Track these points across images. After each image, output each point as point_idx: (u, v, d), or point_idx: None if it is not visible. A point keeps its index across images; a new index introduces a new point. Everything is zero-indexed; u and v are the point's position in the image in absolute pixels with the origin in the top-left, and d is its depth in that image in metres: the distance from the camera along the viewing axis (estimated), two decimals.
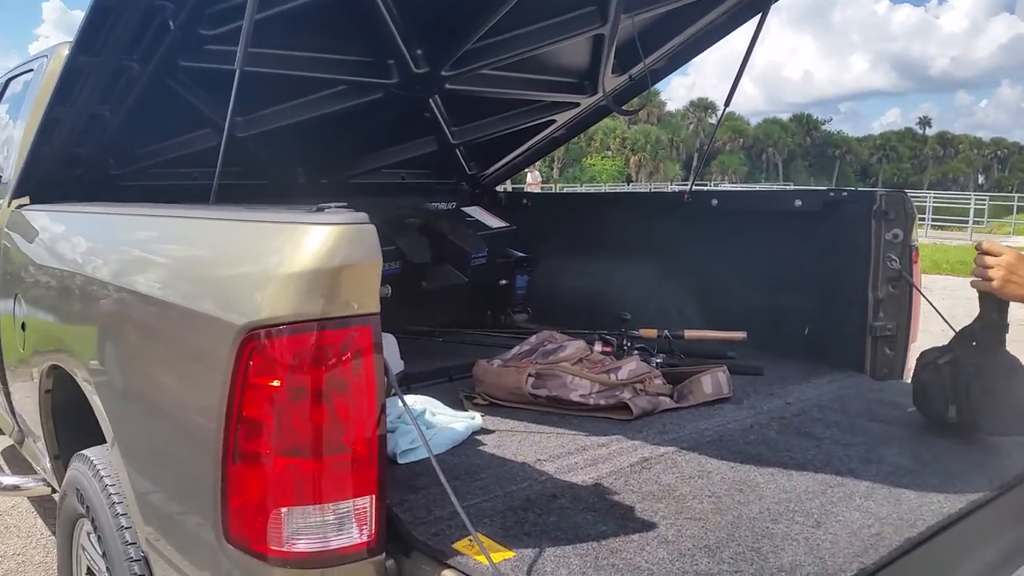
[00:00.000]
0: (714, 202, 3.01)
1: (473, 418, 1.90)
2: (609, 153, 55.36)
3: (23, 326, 2.34)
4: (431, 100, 3.03)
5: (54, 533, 3.23)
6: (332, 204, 1.31)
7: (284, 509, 1.24)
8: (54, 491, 2.85)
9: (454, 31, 2.59)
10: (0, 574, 2.93)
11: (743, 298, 2.74)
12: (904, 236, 2.37)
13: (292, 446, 1.25)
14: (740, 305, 2.73)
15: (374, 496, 1.26)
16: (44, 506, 3.48)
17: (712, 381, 2.15)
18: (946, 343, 1.95)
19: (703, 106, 67.26)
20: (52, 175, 2.54)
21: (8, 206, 2.70)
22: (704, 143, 52.74)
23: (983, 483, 1.59)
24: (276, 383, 1.24)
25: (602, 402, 2.01)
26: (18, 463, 3.06)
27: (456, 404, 2.08)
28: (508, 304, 3.27)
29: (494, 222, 3.34)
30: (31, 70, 3.22)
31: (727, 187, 41.15)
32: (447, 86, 2.87)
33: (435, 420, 1.83)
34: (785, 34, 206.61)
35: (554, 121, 3.48)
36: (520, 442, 1.81)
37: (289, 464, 1.25)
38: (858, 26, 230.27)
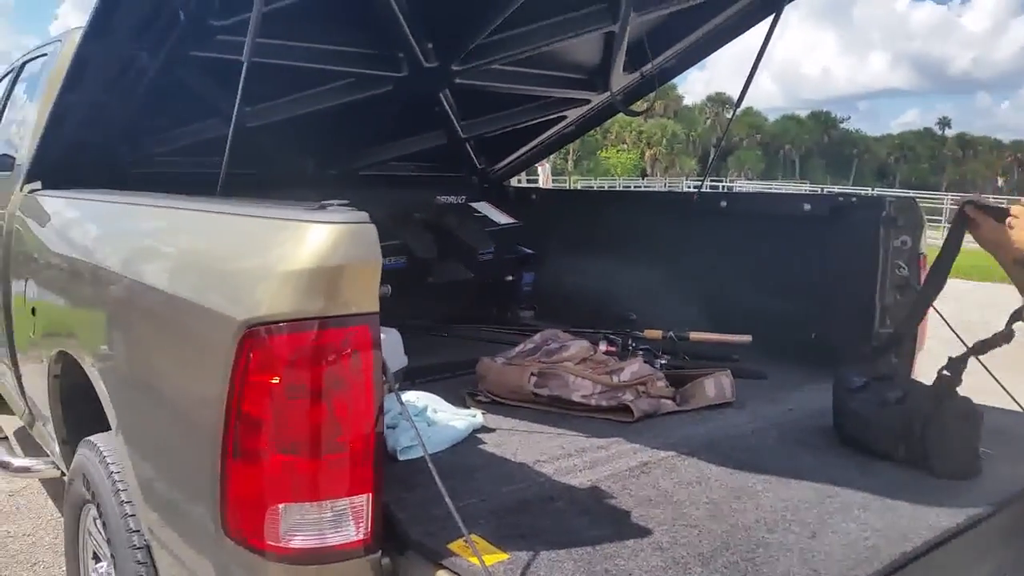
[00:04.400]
0: (723, 203, 2.99)
1: (474, 416, 1.90)
2: (625, 146, 55.16)
3: (33, 311, 2.36)
4: (441, 94, 3.03)
5: (63, 515, 3.28)
6: (335, 202, 1.31)
7: (282, 505, 1.25)
8: (63, 474, 2.89)
9: (465, 26, 2.59)
10: (12, 553, 2.97)
11: (750, 301, 2.72)
12: (912, 243, 2.36)
13: (290, 443, 1.26)
14: (746, 308, 2.72)
15: (371, 494, 1.27)
16: (54, 488, 3.52)
17: (715, 385, 2.14)
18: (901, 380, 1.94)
19: (720, 101, 66.82)
20: (64, 160, 2.55)
21: (21, 190, 2.72)
22: (720, 139, 52.38)
23: (980, 499, 1.58)
24: (275, 380, 1.25)
25: (604, 403, 2.02)
26: (29, 445, 3.10)
27: (458, 401, 2.09)
28: (514, 301, 3.27)
29: (502, 218, 3.34)
30: (45, 54, 3.24)
31: (743, 184, 40.93)
32: (457, 80, 2.87)
33: (436, 417, 1.84)
34: (804, 30, 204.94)
35: (565, 117, 3.47)
36: (520, 442, 1.82)
37: (287, 461, 1.26)
38: (878, 24, 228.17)
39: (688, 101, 72.96)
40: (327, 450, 1.26)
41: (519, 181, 5.84)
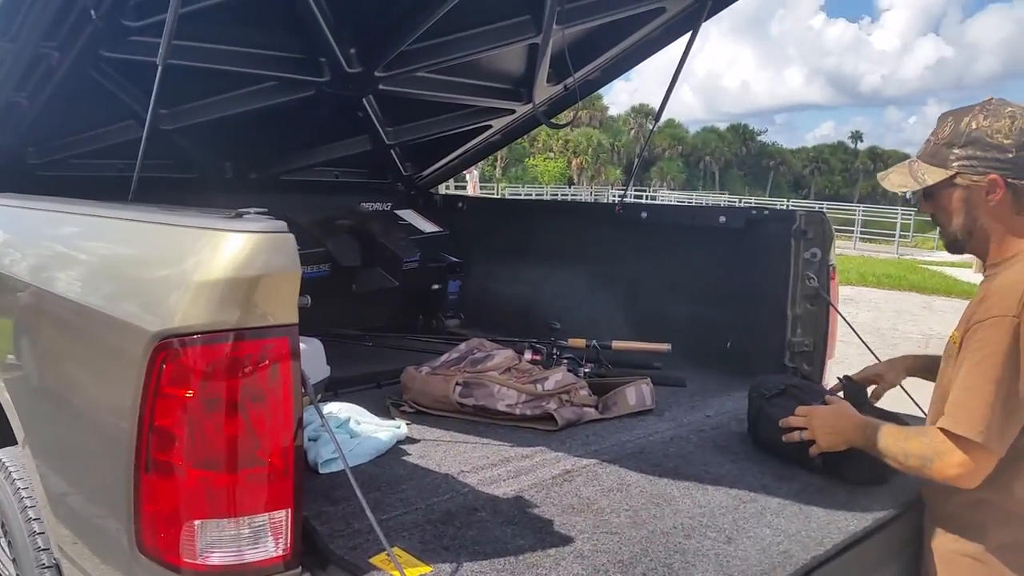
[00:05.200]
0: (644, 215, 3.06)
1: (399, 427, 1.89)
2: (552, 155, 55.69)
3: None
4: (365, 100, 3.00)
5: None
6: (252, 209, 1.28)
7: (198, 521, 1.21)
8: None
9: (388, 32, 2.57)
10: None
11: (670, 310, 2.79)
12: (822, 255, 2.45)
13: (205, 458, 1.22)
14: (667, 317, 2.78)
15: (290, 509, 1.25)
16: None
17: (636, 393, 2.19)
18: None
19: (644, 112, 68.18)
20: None
21: None
22: (643, 149, 53.47)
23: (888, 502, 1.65)
24: (189, 393, 1.21)
25: (528, 412, 2.03)
26: None
27: (383, 411, 2.07)
28: (440, 309, 3.26)
29: (427, 226, 3.33)
30: None
31: (665, 194, 41.85)
32: (381, 87, 2.85)
33: (360, 429, 1.82)
34: (724, 44, 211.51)
35: (490, 127, 3.49)
36: (445, 452, 1.81)
37: (202, 476, 1.23)
38: (794, 39, 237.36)
39: (613, 112, 74.18)
40: (244, 464, 1.23)
41: (447, 187, 5.82)
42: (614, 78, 3.24)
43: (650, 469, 1.78)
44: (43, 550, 1.68)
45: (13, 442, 1.92)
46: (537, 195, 37.15)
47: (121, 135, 2.67)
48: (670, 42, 3.03)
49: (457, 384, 2.07)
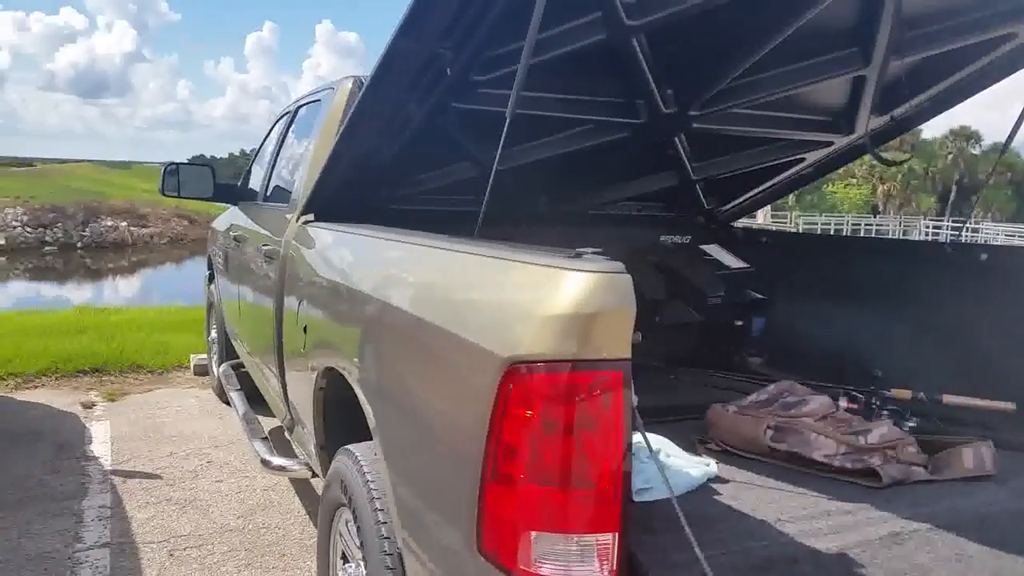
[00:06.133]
0: (983, 256, 2.74)
1: (708, 464, 1.89)
2: (854, 181, 51.59)
3: (305, 328, 2.66)
4: (676, 138, 3.05)
5: (309, 512, 3.63)
6: (589, 250, 1.38)
7: (534, 532, 1.32)
8: (314, 475, 3.20)
9: (707, 72, 2.61)
10: (266, 543, 3.34)
11: (1013, 364, 2.47)
12: None
13: (543, 475, 1.33)
14: (1008, 371, 2.46)
15: (616, 533, 1.31)
16: (300, 487, 3.91)
17: (974, 455, 1.97)
18: None
19: (965, 135, 60.78)
20: (334, 197, 2.87)
21: (296, 221, 3.09)
22: (963, 176, 47.53)
23: None
24: (532, 414, 1.33)
25: (848, 465, 1.92)
26: (279, 445, 3.48)
27: (688, 446, 2.08)
28: (742, 347, 3.19)
29: (733, 262, 3.29)
30: (319, 100, 3.66)
31: (989, 226, 36.81)
32: (694, 125, 2.88)
33: (669, 462, 1.85)
34: None
35: (803, 159, 3.36)
36: (758, 497, 1.78)
37: (540, 491, 1.33)
38: None
39: (927, 135, 67.04)
40: (576, 485, 1.31)
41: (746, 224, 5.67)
42: (950, 107, 2.95)
43: (992, 542, 1.60)
44: (386, 538, 1.91)
45: (366, 438, 2.22)
46: (836, 224, 34.69)
47: (457, 175, 3.00)
48: (1016, 70, 2.71)
49: (768, 427, 2.02)
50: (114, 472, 4.03)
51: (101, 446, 4.41)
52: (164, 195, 4.68)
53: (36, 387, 5.60)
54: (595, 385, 1.31)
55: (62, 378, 5.79)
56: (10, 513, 3.51)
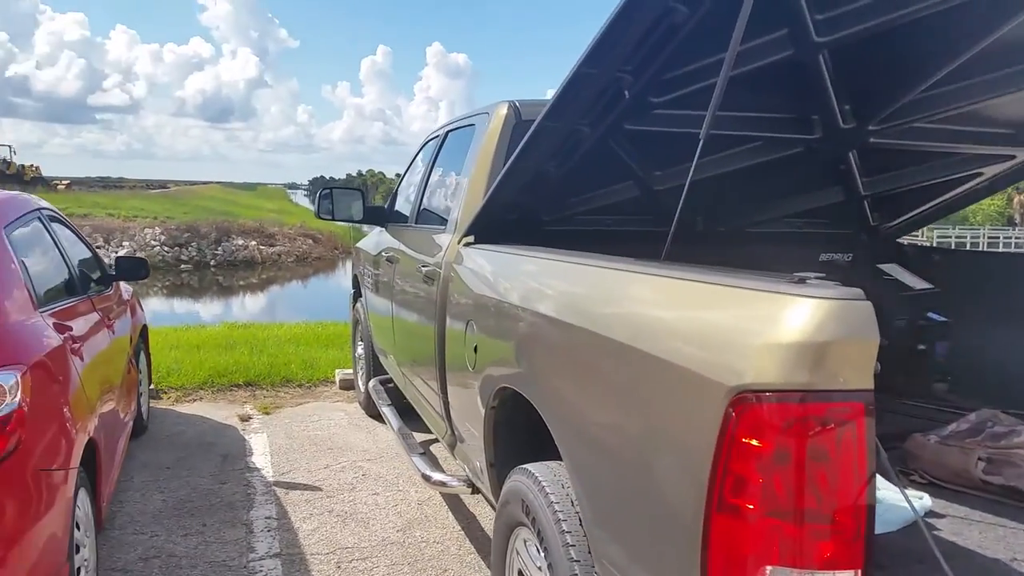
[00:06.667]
0: None
1: (921, 498, 1.80)
2: None
3: (475, 348, 2.71)
4: (849, 153, 2.95)
5: (463, 528, 3.70)
6: (811, 275, 1.35)
7: (769, 567, 1.29)
8: (473, 492, 3.26)
9: (891, 87, 2.51)
10: (427, 557, 3.42)
11: None
12: None
13: (775, 507, 1.30)
14: None
15: (859, 571, 1.27)
16: (453, 502, 3.99)
17: None
18: None
19: None
20: (495, 219, 2.93)
21: (457, 243, 3.17)
22: None
23: None
24: (760, 444, 1.31)
25: None
26: (429, 460, 3.58)
27: (887, 476, 1.99)
28: (926, 372, 3.03)
29: (916, 282, 3.13)
30: (472, 125, 3.75)
31: None
32: (871, 140, 2.78)
33: (881, 495, 1.77)
34: None
35: (980, 174, 3.18)
36: (982, 533, 1.68)
37: (772, 524, 1.30)
38: None
39: None
40: (814, 519, 1.28)
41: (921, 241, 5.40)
42: None
43: None
44: (576, 562, 1.91)
45: (540, 457, 2.24)
46: (972, 238, 32.71)
47: (617, 195, 3.00)
48: None
49: (980, 459, 1.91)
50: (276, 483, 4.24)
51: (261, 458, 4.66)
52: (319, 218, 4.91)
53: (195, 400, 5.98)
54: (831, 415, 1.27)
55: (218, 391, 6.16)
56: (194, 520, 3.75)
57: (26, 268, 2.82)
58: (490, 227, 2.97)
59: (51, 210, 3.73)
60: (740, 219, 3.39)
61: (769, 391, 1.29)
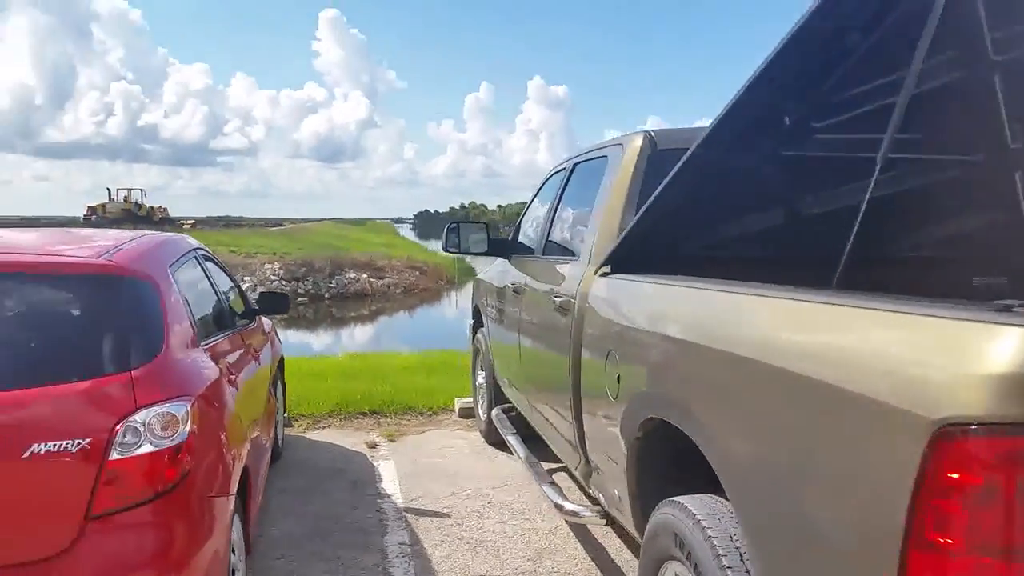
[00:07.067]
0: None
1: None
2: None
3: (617, 378, 2.69)
4: (1016, 174, 2.79)
5: (592, 558, 3.66)
6: (1015, 302, 1.29)
7: None
8: (608, 523, 3.22)
9: None
10: None
11: None
12: None
13: (980, 544, 1.24)
14: None
15: None
16: (580, 532, 3.96)
17: None
18: None
19: None
20: (633, 249, 2.91)
21: (593, 274, 3.17)
22: None
23: None
24: (965, 478, 1.25)
25: None
26: (558, 489, 3.57)
27: None
28: None
29: None
30: (604, 156, 3.77)
31: None
32: None
33: None
34: None
35: None
36: None
37: (977, 562, 1.25)
38: None
39: None
40: (1019, 559, 1.21)
41: None
42: None
43: None
44: None
45: (687, 489, 2.19)
46: None
47: (763, 222, 2.94)
48: None
49: None
50: (406, 509, 4.32)
51: (390, 484, 4.76)
52: (446, 251, 5.04)
53: (324, 427, 6.19)
54: None
55: (344, 419, 6.36)
56: (329, 546, 3.86)
57: (188, 305, 3.00)
58: (628, 257, 2.96)
59: (204, 249, 3.98)
60: (887, 245, 3.25)
61: (976, 424, 1.23)
